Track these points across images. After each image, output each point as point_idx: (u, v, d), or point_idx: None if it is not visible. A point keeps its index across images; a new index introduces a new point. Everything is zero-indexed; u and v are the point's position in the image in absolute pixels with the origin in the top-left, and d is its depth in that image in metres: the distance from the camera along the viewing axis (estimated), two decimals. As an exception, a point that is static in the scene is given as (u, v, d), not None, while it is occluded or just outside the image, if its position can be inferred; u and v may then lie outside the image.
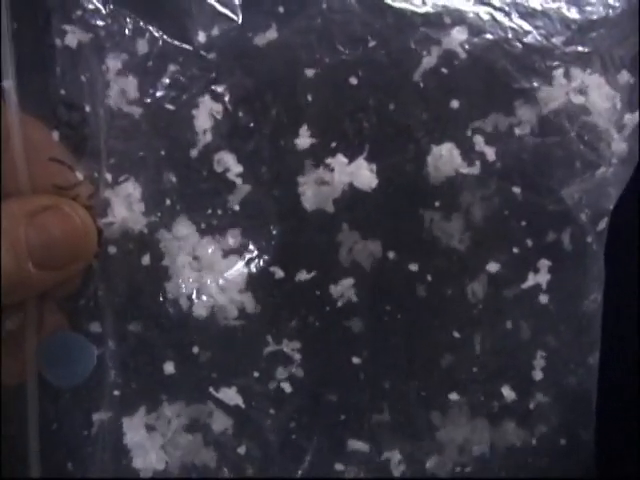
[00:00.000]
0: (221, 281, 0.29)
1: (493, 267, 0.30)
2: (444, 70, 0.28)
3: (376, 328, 0.30)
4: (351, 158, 0.29)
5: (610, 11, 0.30)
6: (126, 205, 0.28)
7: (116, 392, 0.29)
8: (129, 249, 0.29)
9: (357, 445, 0.31)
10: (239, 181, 0.29)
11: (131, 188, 0.28)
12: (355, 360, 0.30)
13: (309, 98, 0.29)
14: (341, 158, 0.29)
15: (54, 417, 0.29)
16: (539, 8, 0.29)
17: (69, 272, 0.27)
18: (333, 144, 0.29)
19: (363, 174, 0.29)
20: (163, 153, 0.28)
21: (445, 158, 0.29)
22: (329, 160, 0.29)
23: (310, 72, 0.28)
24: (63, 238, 0.26)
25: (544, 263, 0.30)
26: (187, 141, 0.28)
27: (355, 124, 0.29)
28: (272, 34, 0.28)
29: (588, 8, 0.30)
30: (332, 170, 0.29)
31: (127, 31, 0.28)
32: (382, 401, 0.31)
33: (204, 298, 0.29)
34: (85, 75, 0.28)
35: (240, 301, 0.30)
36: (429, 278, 0.30)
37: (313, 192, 0.29)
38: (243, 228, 0.29)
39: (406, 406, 0.31)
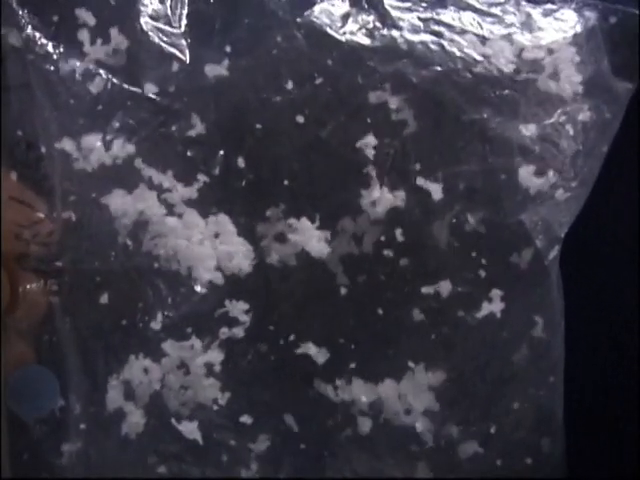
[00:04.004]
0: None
1: (450, 293, 0.30)
2: (392, 106, 0.28)
3: (332, 357, 0.30)
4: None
5: (563, 35, 0.30)
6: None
7: (82, 425, 0.30)
8: (89, 286, 0.29)
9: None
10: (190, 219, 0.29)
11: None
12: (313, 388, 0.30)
13: (258, 136, 0.29)
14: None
15: (24, 448, 0.30)
16: (490, 36, 0.29)
17: None
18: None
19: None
20: (116, 196, 0.29)
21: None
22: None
23: (257, 112, 0.29)
24: None
25: (501, 289, 0.30)
26: (135, 184, 0.29)
27: (303, 163, 0.29)
28: (220, 74, 0.28)
29: (539, 34, 0.30)
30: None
31: (77, 75, 0.28)
32: (346, 426, 0.31)
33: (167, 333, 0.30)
34: (39, 117, 0.28)
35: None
36: (380, 312, 0.30)
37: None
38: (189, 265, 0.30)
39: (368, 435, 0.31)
